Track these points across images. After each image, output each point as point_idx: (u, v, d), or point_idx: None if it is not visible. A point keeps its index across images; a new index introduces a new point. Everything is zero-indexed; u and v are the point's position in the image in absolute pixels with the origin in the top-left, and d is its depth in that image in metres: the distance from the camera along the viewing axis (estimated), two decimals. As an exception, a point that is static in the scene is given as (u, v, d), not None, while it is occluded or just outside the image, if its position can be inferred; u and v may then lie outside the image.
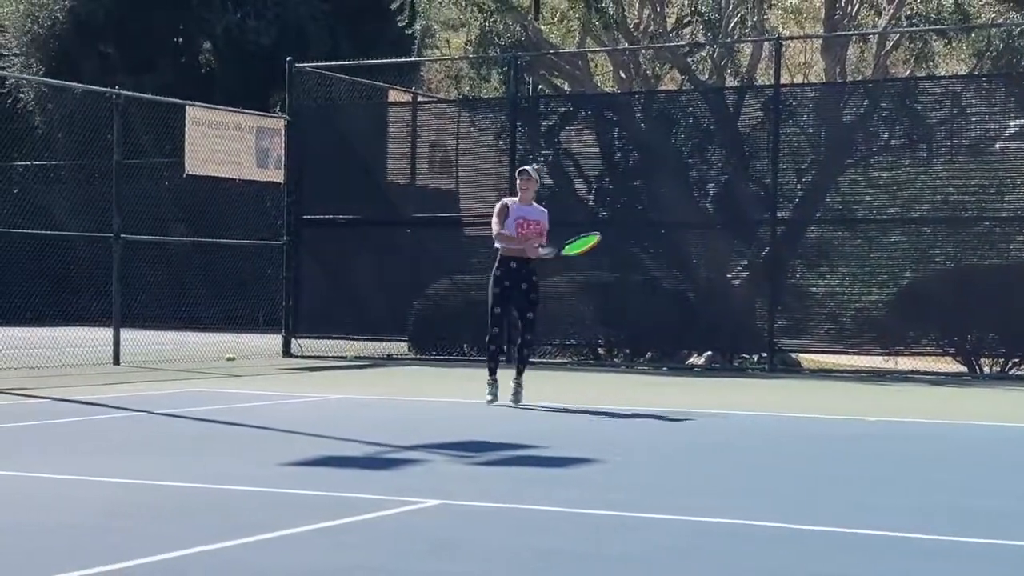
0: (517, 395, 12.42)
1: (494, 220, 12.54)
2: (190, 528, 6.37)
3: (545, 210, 12.77)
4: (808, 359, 18.44)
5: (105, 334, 17.79)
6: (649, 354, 18.96)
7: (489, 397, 12.40)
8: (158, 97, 20.27)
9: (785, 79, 19.69)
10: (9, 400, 12.85)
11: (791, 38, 21.76)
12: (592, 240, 12.83)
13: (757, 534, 6.43)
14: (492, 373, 12.54)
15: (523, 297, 12.52)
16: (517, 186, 12.75)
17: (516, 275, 12.46)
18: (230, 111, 19.71)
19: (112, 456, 8.96)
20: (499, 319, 12.64)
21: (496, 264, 12.56)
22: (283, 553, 5.85)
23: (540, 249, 12.42)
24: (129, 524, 6.47)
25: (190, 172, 18.53)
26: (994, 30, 18.38)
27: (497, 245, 12.57)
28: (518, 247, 12.38)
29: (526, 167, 13.04)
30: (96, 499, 7.18)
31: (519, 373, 12.54)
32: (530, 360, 13.00)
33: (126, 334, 17.69)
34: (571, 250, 12.88)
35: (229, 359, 18.51)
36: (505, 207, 12.55)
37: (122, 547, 5.86)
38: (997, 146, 17.65)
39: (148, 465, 8.44)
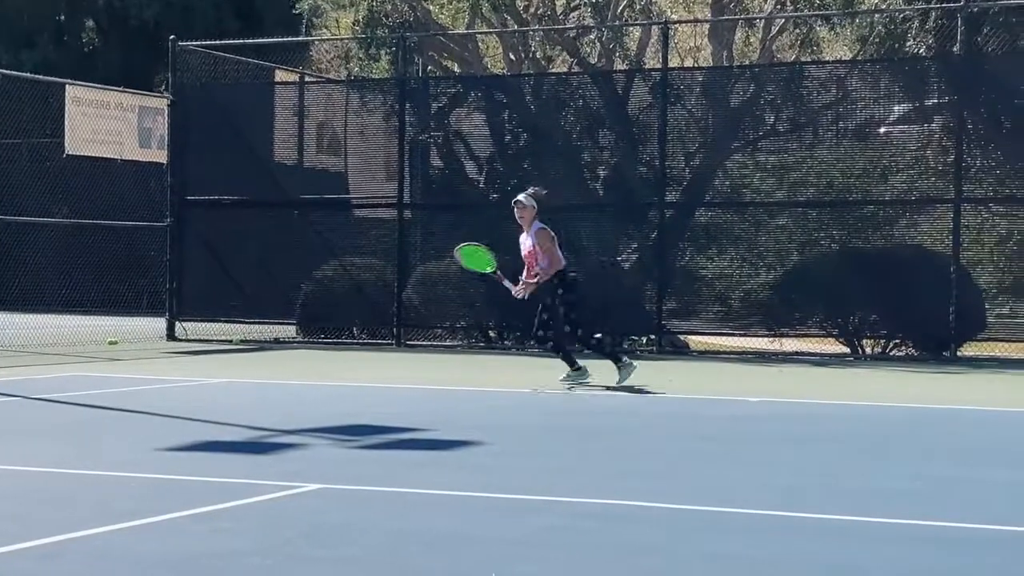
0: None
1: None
2: (65, 514, 6.21)
3: (536, 228, 12.72)
4: (696, 341, 18.56)
5: (-20, 318, 17.37)
6: (538, 336, 18.93)
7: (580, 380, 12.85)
8: (36, 76, 19.80)
9: (674, 63, 19.79)
10: None
11: (679, 22, 21.87)
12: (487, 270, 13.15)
13: (640, 514, 6.42)
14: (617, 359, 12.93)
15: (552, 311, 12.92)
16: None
17: (543, 291, 12.87)
18: (111, 90, 19.32)
19: (-16, 442, 8.72)
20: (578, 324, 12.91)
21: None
22: (159, 539, 5.73)
23: (522, 288, 12.81)
24: (2, 510, 6.29)
25: (70, 152, 18.15)
26: (877, 16, 18.61)
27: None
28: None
29: (518, 196, 12.98)
30: (-36, 486, 6.97)
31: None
32: (596, 350, 13.11)
33: (3, 317, 17.29)
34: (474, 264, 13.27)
35: (111, 343, 18.16)
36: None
37: (-11, 535, 5.69)
38: (881, 131, 17.90)
39: (23, 451, 8.22)
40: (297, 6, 21.83)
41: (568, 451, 8.77)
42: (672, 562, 5.47)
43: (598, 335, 13.09)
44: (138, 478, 7.28)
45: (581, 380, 12.79)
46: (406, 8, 20.17)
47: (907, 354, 17.20)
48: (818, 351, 17.54)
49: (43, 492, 6.85)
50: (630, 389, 12.56)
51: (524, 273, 12.90)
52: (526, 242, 12.79)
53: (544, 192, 13.30)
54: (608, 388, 12.47)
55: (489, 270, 13.06)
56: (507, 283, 12.93)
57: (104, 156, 18.89)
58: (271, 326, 19.72)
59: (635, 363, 12.96)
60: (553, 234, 12.83)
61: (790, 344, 17.61)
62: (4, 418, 10.29)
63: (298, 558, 5.40)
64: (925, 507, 6.71)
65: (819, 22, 19.88)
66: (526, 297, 12.93)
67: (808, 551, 5.69)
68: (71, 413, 10.56)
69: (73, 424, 9.89)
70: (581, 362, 12.91)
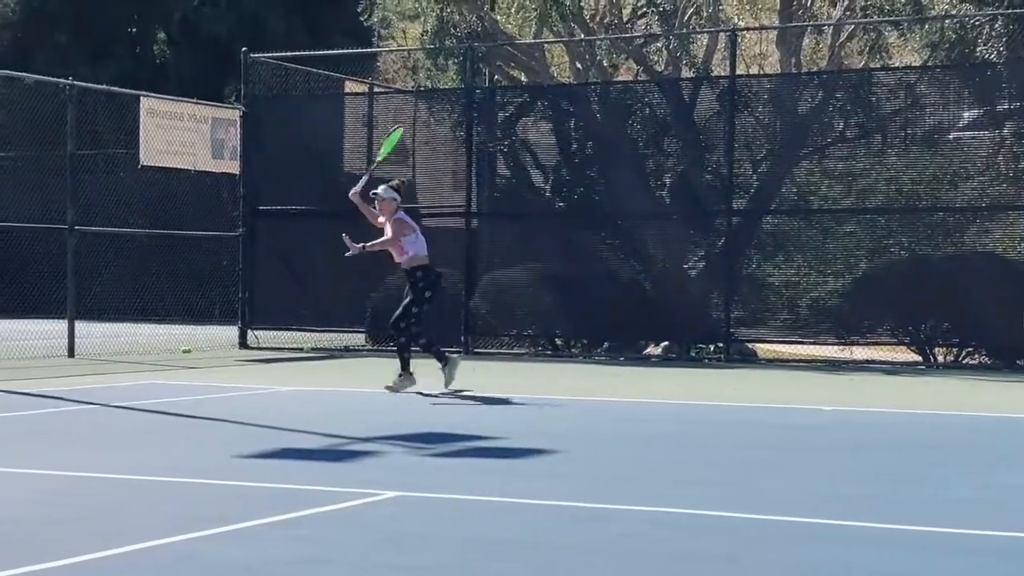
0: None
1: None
2: (146, 521, 6.35)
3: (393, 219, 12.98)
4: (764, 349, 18.54)
5: (60, 326, 17.67)
6: (606, 344, 19.01)
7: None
8: (112, 88, 20.12)
9: (740, 70, 19.76)
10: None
11: (746, 29, 21.84)
12: (396, 136, 13.67)
13: (707, 523, 6.47)
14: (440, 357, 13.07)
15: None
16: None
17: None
18: (185, 101, 19.60)
19: (67, 449, 8.92)
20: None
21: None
22: (241, 546, 5.85)
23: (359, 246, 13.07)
24: (85, 517, 6.44)
25: (145, 163, 18.43)
26: (948, 21, 18.50)
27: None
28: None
29: (378, 189, 13.14)
30: (51, 492, 7.14)
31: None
32: (400, 346, 13.07)
33: (81, 326, 17.59)
34: (381, 155, 13.66)
35: (185, 351, 18.42)
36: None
37: (77, 540, 5.84)
38: (951, 137, 17.79)
39: (103, 458, 8.40)
40: (366, 19, 22.02)
41: (636, 459, 8.82)
42: (740, 571, 5.52)
43: (423, 341, 13.01)
44: (218, 485, 7.42)
45: (405, 386, 12.75)
46: (474, 19, 20.29)
47: (980, 362, 17.08)
48: (889, 359, 17.47)
49: (126, 499, 7.01)
50: (696, 398, 12.55)
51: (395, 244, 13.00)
52: (387, 235, 13.01)
53: (404, 182, 13.69)
54: (440, 393, 12.55)
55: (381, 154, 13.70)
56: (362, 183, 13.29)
57: (178, 167, 19.17)
58: (341, 334, 19.91)
59: (410, 384, 12.79)
60: (413, 225, 13.06)
61: (860, 352, 17.54)
62: (86, 425, 10.50)
63: (379, 565, 5.50)
64: (993, 517, 6.71)
65: (888, 28, 19.78)
66: (356, 251, 13.15)
67: (874, 561, 5.72)
68: (149, 420, 10.75)
69: (151, 431, 10.08)
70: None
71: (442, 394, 12.58)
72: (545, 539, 6.07)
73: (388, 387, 12.76)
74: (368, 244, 13.10)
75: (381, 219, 13.12)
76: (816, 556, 5.79)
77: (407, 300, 12.91)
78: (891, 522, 6.50)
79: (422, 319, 13.02)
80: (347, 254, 13.21)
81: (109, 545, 5.74)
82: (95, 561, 5.47)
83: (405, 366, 12.88)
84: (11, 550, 5.67)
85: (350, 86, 21.44)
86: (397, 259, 13.02)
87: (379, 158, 13.69)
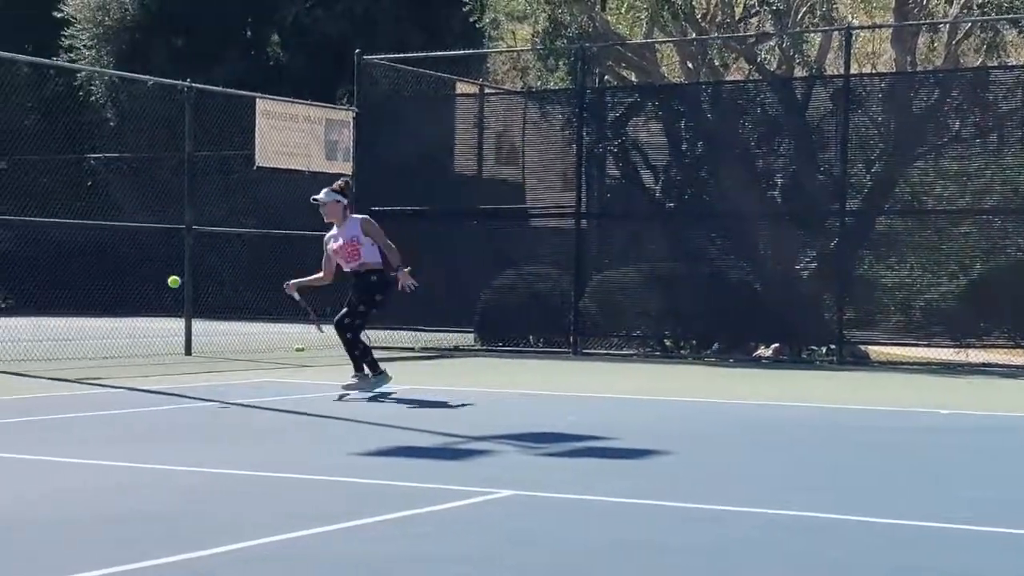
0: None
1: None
2: (268, 517, 6.46)
3: (359, 218, 12.43)
4: (877, 351, 18.32)
5: (176, 324, 18.02)
6: (716, 346, 18.92)
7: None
8: (228, 90, 20.46)
9: (854, 69, 19.54)
10: (84, 390, 13.06)
11: (861, 27, 21.58)
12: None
13: (823, 526, 6.43)
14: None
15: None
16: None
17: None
18: (299, 103, 19.87)
19: (186, 445, 9.09)
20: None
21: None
22: (360, 542, 5.93)
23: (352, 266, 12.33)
24: (208, 512, 6.58)
25: (260, 164, 18.72)
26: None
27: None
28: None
29: (315, 195, 12.50)
30: (173, 487, 7.30)
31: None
32: (347, 343, 12.61)
33: (197, 325, 17.91)
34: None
35: (298, 350, 18.66)
36: (325, 247, 12.49)
37: (197, 536, 5.96)
38: (1070, 136, 17.44)
39: (222, 454, 8.55)
40: (477, 20, 22.13)
41: (750, 461, 8.79)
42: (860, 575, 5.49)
43: (364, 343, 12.60)
44: (336, 482, 7.53)
45: (369, 386, 12.37)
46: (584, 19, 20.30)
47: (1100, 365, 16.74)
48: (1007, 362, 17.17)
49: (244, 496, 7.13)
50: (808, 400, 12.46)
51: (328, 272, 12.53)
52: (339, 238, 12.26)
53: (346, 180, 12.83)
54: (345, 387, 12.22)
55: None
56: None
57: (292, 168, 19.44)
58: (450, 334, 20.05)
59: (378, 387, 12.37)
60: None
61: (976, 355, 17.27)
62: (206, 423, 10.70)
63: (497, 564, 5.55)
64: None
65: (1006, 25, 19.46)
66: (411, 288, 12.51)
67: (993, 565, 5.65)
68: (267, 418, 10.93)
69: (269, 429, 10.24)
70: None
71: (344, 388, 12.26)
72: (662, 540, 6.07)
73: (345, 386, 12.30)
74: (304, 281, 12.74)
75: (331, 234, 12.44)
76: (940, 560, 5.73)
77: (354, 300, 12.38)
78: (1018, 527, 6.41)
79: (367, 321, 12.70)
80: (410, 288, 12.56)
81: (230, 540, 5.85)
82: (215, 556, 5.58)
83: (363, 366, 12.43)
84: (133, 544, 5.80)
85: (461, 87, 21.58)
86: (349, 265, 12.32)
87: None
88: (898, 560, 5.74)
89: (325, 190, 12.43)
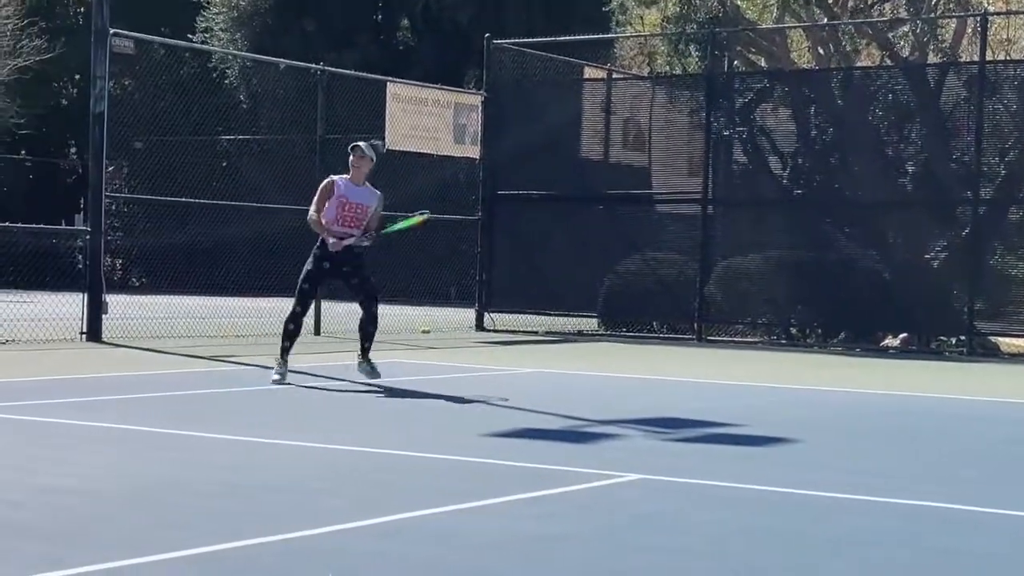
0: (364, 370, 11.74)
1: (314, 201, 11.48)
2: (401, 494, 6.60)
3: (378, 192, 11.58)
4: (1008, 343, 18.03)
5: (306, 305, 18.30)
6: (842, 335, 18.76)
7: (276, 377, 11.55)
8: (360, 73, 20.74)
9: (988, 55, 19.21)
10: (220, 367, 13.38)
11: (997, 14, 21.18)
12: (415, 221, 12.03)
13: (957, 518, 6.40)
14: (284, 352, 11.68)
15: (346, 282, 11.69)
16: (349, 162, 11.51)
17: (336, 257, 11.43)
18: (429, 87, 20.08)
19: (320, 422, 9.29)
20: (306, 297, 11.80)
21: (318, 243, 11.52)
22: (490, 521, 6.04)
23: (346, 241, 11.35)
24: (341, 489, 6.73)
25: (390, 147, 18.92)
26: None
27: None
28: (330, 236, 11.36)
29: (358, 143, 11.56)
30: (308, 464, 7.47)
31: (362, 352, 11.79)
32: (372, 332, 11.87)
33: (326, 305, 18.20)
34: (393, 228, 12.07)
35: (424, 331, 18.89)
36: (330, 185, 11.44)
37: (336, 510, 6.11)
38: None
39: (355, 432, 8.73)
40: (605, 5, 22.16)
41: (879, 451, 8.73)
42: (1002, 570, 5.46)
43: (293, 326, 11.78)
44: (465, 462, 7.65)
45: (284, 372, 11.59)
46: (714, 3, 20.21)
47: None
48: None
49: (378, 473, 7.28)
50: (937, 391, 12.32)
51: (336, 227, 11.35)
52: (356, 196, 11.37)
53: (384, 147, 12.09)
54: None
55: (420, 219, 12.02)
56: (353, 239, 11.43)
57: (422, 151, 19.65)
58: (574, 318, 20.14)
59: (280, 377, 11.52)
60: None
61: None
62: (338, 402, 10.90)
63: (623, 546, 5.62)
64: None
65: None
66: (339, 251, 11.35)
67: None
68: (396, 399, 11.10)
69: (398, 409, 10.41)
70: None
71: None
72: (794, 527, 6.09)
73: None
74: (357, 235, 11.49)
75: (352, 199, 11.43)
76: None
77: (365, 275, 11.61)
78: None
79: None
80: (362, 244, 11.55)
81: (366, 515, 5.99)
82: (352, 530, 5.72)
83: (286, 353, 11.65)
84: (276, 516, 5.98)
85: (588, 72, 21.62)
86: (343, 228, 11.35)
87: (388, 230, 12.04)
88: (1008, 552, 5.70)
89: (367, 143, 11.60)
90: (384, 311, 20.61)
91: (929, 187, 18.13)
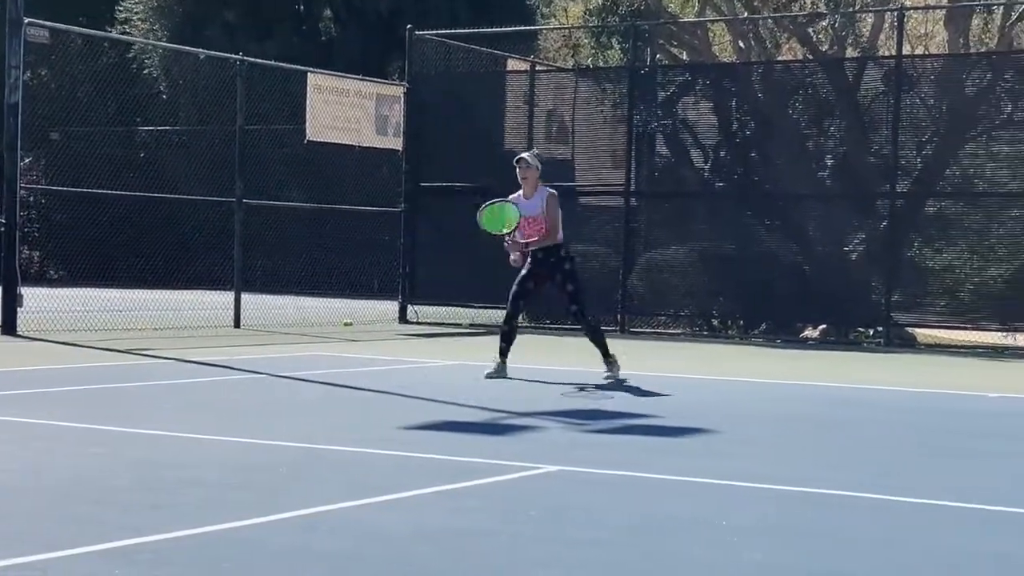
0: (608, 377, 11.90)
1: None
2: (314, 487, 6.55)
3: (544, 194, 11.79)
4: (924, 334, 18.26)
5: (226, 298, 18.18)
6: (763, 326, 18.91)
7: (488, 371, 11.93)
8: (281, 63, 20.58)
9: (906, 50, 19.43)
10: (134, 360, 13.22)
11: (914, 8, 21.43)
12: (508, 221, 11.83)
13: (865, 505, 6.45)
14: (500, 353, 11.99)
15: (560, 290, 11.93)
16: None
17: (533, 266, 11.84)
18: (351, 78, 19.95)
19: (235, 416, 9.21)
20: (513, 299, 12.07)
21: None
22: (407, 514, 6.00)
23: (514, 256, 11.77)
24: (255, 482, 6.67)
25: (311, 138, 18.81)
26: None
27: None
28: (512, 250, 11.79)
29: (522, 155, 12.03)
30: (222, 458, 7.40)
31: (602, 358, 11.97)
32: (596, 343, 12.04)
33: (246, 298, 18.06)
34: (492, 225, 11.95)
35: (346, 324, 18.80)
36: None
37: (249, 504, 6.05)
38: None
39: (271, 426, 8.65)
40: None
41: (797, 441, 8.79)
42: (896, 554, 5.50)
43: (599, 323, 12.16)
44: (382, 455, 7.61)
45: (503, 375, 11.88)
46: (637, -3, 20.28)
47: None
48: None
49: (294, 467, 7.22)
50: (855, 382, 12.45)
51: (518, 238, 11.73)
52: (529, 210, 11.72)
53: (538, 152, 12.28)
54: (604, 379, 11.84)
55: (505, 230, 11.84)
56: (512, 247, 11.78)
57: (343, 142, 19.53)
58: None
59: (620, 368, 11.90)
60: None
61: (1025, 339, 17.19)
62: (254, 395, 10.82)
63: (542, 538, 5.60)
64: None
65: (1062, 7, 19.28)
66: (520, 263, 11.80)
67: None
68: (315, 391, 11.03)
69: (317, 402, 10.35)
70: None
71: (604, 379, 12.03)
72: (708, 516, 6.11)
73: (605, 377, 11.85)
74: (530, 240, 11.77)
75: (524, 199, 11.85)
76: (982, 543, 5.74)
77: (571, 286, 11.80)
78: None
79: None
80: (513, 260, 11.90)
81: (276, 509, 5.93)
82: (268, 523, 5.67)
83: (607, 354, 11.94)
84: (191, 510, 5.91)
85: (512, 64, 21.60)
86: (529, 239, 11.72)
87: (505, 230, 11.85)
88: (932, 542, 5.75)
89: (530, 154, 12.06)
90: (305, 303, 20.59)
91: (848, 180, 18.31)
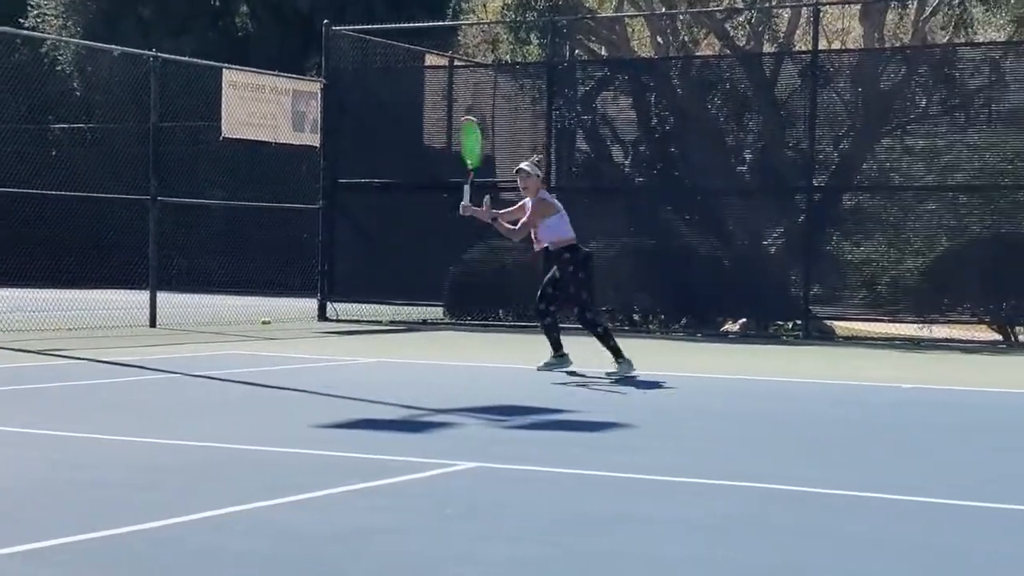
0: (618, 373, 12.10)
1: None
2: (225, 487, 6.45)
3: (537, 198, 12.07)
4: (842, 327, 18.41)
5: (141, 297, 17.94)
6: (684, 320, 18.96)
7: (541, 364, 12.33)
8: (195, 60, 20.33)
9: (823, 45, 19.57)
10: (47, 361, 12.99)
11: (829, 3, 21.59)
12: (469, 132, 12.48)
13: (786, 497, 6.46)
14: (554, 348, 12.31)
15: (563, 291, 12.21)
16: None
17: (551, 264, 12.35)
18: (266, 74, 19.76)
19: (150, 416, 9.06)
20: (536, 303, 12.38)
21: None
22: (321, 513, 5.92)
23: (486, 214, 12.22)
24: (167, 482, 6.55)
25: (227, 135, 18.60)
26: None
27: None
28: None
29: (521, 165, 12.33)
30: (134, 458, 7.26)
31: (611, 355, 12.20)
32: (600, 337, 12.28)
33: (162, 297, 17.82)
34: (473, 158, 12.42)
35: (264, 322, 18.61)
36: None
37: (160, 505, 5.94)
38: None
39: (185, 425, 8.53)
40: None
41: (717, 434, 8.79)
42: (830, 543, 5.51)
43: (604, 325, 12.48)
44: (297, 454, 7.51)
45: (561, 367, 12.25)
46: (555, -8, 20.25)
47: (1062, 342, 16.86)
48: (969, 338, 17.28)
49: (208, 466, 7.11)
50: (774, 374, 12.51)
51: (522, 231, 12.15)
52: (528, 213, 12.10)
53: (541, 157, 12.69)
54: (608, 375, 11.99)
55: (469, 164, 12.35)
56: (467, 193, 12.22)
57: (259, 139, 19.33)
58: (420, 307, 20.02)
59: (634, 365, 12.11)
60: (559, 206, 12.06)
61: (940, 331, 17.38)
62: (168, 395, 10.66)
63: (460, 535, 5.54)
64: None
65: (974, 3, 19.51)
66: (464, 214, 12.37)
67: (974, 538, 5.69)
68: (230, 390, 10.89)
69: (232, 401, 10.21)
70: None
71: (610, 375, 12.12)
72: (624, 511, 6.07)
73: (539, 368, 12.19)
74: (501, 215, 12.30)
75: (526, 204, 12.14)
76: (902, 531, 5.76)
77: (566, 284, 12.04)
78: (987, 501, 6.45)
79: (595, 301, 12.48)
80: (462, 209, 12.30)
81: (189, 510, 5.84)
82: (183, 524, 5.57)
83: (617, 354, 12.13)
84: (94, 513, 5.79)
85: (431, 60, 21.50)
86: (539, 242, 12.16)
87: (471, 165, 12.44)
88: (856, 528, 5.77)
89: (529, 163, 12.23)
90: (223, 302, 20.37)
91: (766, 175, 18.42)
